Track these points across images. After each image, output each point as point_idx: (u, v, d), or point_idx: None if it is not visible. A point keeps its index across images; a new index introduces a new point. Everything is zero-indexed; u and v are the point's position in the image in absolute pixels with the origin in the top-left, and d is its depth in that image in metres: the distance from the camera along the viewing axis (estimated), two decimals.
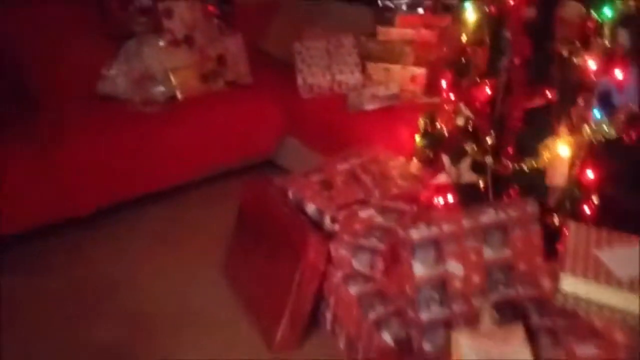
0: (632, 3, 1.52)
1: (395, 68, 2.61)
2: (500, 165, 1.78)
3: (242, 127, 2.78)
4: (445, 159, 1.92)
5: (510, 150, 1.76)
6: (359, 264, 1.61)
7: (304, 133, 2.79)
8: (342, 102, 2.62)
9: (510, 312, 1.38)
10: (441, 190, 1.87)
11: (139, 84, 2.63)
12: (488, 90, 1.80)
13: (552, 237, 1.59)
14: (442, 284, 1.39)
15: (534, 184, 1.70)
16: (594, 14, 1.58)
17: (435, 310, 1.38)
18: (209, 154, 2.72)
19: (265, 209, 2.00)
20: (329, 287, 1.71)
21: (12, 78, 2.57)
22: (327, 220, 1.80)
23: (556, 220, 1.66)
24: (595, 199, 1.63)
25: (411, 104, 2.51)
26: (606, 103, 1.61)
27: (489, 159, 1.79)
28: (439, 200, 1.83)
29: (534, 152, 1.70)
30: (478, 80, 1.87)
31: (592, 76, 1.59)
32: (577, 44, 1.62)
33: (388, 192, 1.86)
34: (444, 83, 2.07)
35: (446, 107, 2.04)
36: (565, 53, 1.64)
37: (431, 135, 2.09)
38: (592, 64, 1.58)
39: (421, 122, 2.13)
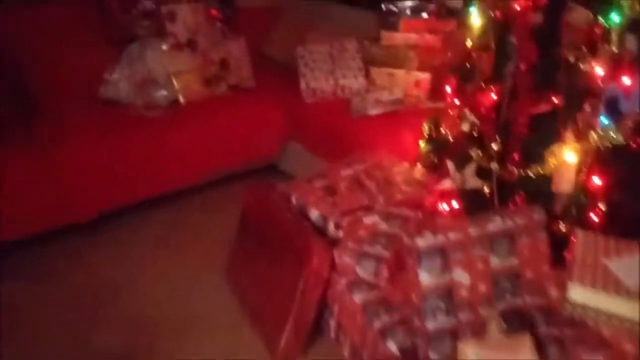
0: None
1: (399, 73, 2.59)
2: (505, 171, 1.76)
3: (245, 132, 2.77)
4: (449, 164, 1.91)
5: (515, 156, 1.75)
6: (364, 271, 1.60)
7: (307, 138, 2.77)
8: (346, 107, 2.60)
9: (517, 322, 1.36)
10: (446, 196, 1.86)
11: (142, 87, 2.62)
12: (493, 96, 1.79)
13: (558, 245, 1.58)
14: (448, 293, 1.37)
15: (540, 191, 1.68)
16: (601, 19, 1.57)
17: (441, 319, 1.36)
18: (211, 158, 2.71)
19: (268, 214, 1.98)
20: (333, 294, 1.70)
21: (13, 81, 2.56)
22: (330, 227, 1.79)
23: (562, 227, 1.65)
24: (602, 206, 1.62)
25: (415, 109, 2.50)
26: (613, 109, 1.60)
27: (494, 165, 1.77)
28: (444, 206, 1.82)
29: (539, 158, 1.69)
30: (483, 85, 1.85)
31: (599, 82, 1.58)
32: (584, 49, 1.61)
33: (392, 198, 1.84)
34: (448, 88, 2.06)
35: (451, 112, 2.03)
36: (571, 59, 1.63)
37: (436, 141, 2.08)
38: (599, 70, 1.57)
39: (425, 127, 2.12)
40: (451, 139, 2.00)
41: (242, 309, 2.00)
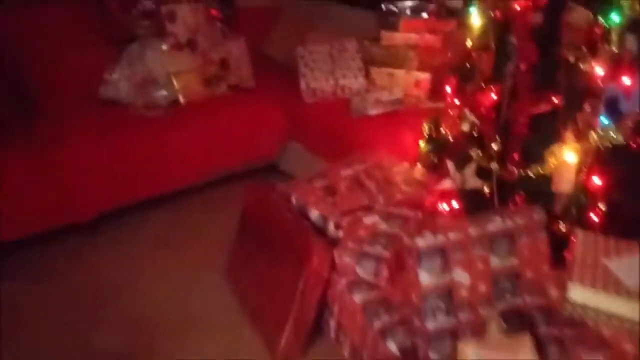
0: None
1: (399, 73, 2.59)
2: (505, 171, 1.76)
3: (245, 132, 2.77)
4: (449, 164, 1.91)
5: (515, 156, 1.75)
6: (364, 271, 1.60)
7: (307, 138, 2.77)
8: (346, 107, 2.60)
9: (517, 322, 1.36)
10: (446, 196, 1.86)
11: (142, 87, 2.62)
12: (493, 96, 1.79)
13: (558, 244, 1.58)
14: (448, 293, 1.37)
15: (540, 191, 1.68)
16: (601, 19, 1.57)
17: (441, 319, 1.36)
18: (211, 158, 2.71)
19: (268, 214, 1.98)
20: (333, 294, 1.70)
21: (13, 81, 2.56)
22: (330, 227, 1.79)
23: (562, 227, 1.65)
24: (602, 206, 1.62)
25: (415, 109, 2.50)
26: (613, 109, 1.60)
27: (494, 165, 1.77)
28: (444, 206, 1.82)
29: (539, 158, 1.69)
30: (483, 85, 1.85)
31: (599, 82, 1.58)
32: (584, 49, 1.61)
33: (392, 198, 1.84)
34: (448, 88, 2.06)
35: (451, 112, 2.03)
36: (572, 59, 1.63)
37: (436, 141, 2.08)
38: (599, 70, 1.57)
39: (425, 127, 2.12)
40: (451, 139, 2.00)
41: (242, 309, 2.00)
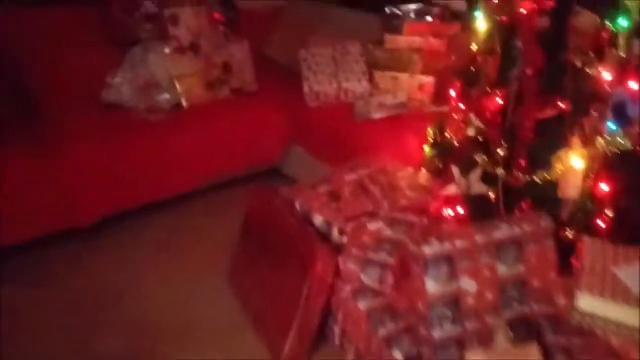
0: None
1: (403, 76, 2.58)
2: (511, 176, 1.75)
3: (248, 135, 2.75)
4: (454, 169, 1.90)
5: (521, 161, 1.73)
6: (368, 278, 1.58)
7: (310, 141, 2.76)
8: (349, 111, 2.59)
9: (524, 330, 1.35)
10: (450, 201, 1.84)
11: (144, 91, 2.61)
12: (499, 100, 1.77)
13: (565, 251, 1.56)
14: (454, 301, 1.35)
15: (546, 197, 1.67)
16: (608, 24, 1.56)
17: (447, 328, 1.34)
18: (214, 161, 2.69)
19: (272, 219, 1.97)
20: (337, 301, 1.68)
21: (15, 83, 2.55)
22: (334, 232, 1.77)
23: (569, 233, 1.64)
24: (609, 212, 1.61)
25: (419, 113, 2.48)
26: (620, 114, 1.58)
27: (500, 170, 1.76)
28: (448, 212, 1.81)
29: (546, 164, 1.67)
30: (488, 89, 1.84)
31: (606, 87, 1.57)
32: (591, 54, 1.60)
33: (397, 203, 1.83)
34: (453, 92, 2.05)
35: (455, 116, 2.01)
36: (578, 63, 1.62)
37: (440, 145, 2.07)
38: (606, 75, 1.56)
39: (430, 131, 2.10)
40: (456, 144, 1.99)
41: (245, 313, 1.99)
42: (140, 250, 2.42)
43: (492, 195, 1.80)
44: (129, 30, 2.75)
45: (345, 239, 1.72)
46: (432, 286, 1.34)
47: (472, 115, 1.86)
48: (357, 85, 2.71)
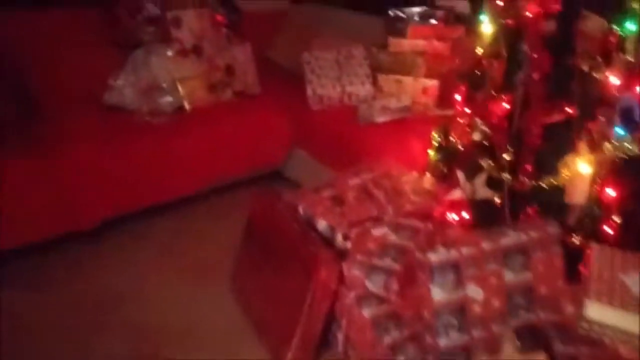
0: None
1: (407, 80, 2.56)
2: (517, 181, 1.73)
3: (250, 138, 2.74)
4: (459, 174, 1.88)
5: (528, 166, 1.72)
6: (373, 285, 1.56)
7: (313, 145, 2.74)
8: (352, 114, 2.57)
9: (531, 339, 1.33)
10: (455, 206, 1.83)
11: (147, 94, 2.59)
12: (505, 105, 1.75)
13: (571, 257, 1.54)
14: (461, 309, 1.34)
15: (553, 202, 1.65)
16: (616, 28, 1.54)
17: (454, 336, 1.33)
18: (216, 165, 2.67)
19: (275, 223, 1.95)
20: (341, 307, 1.66)
21: (16, 85, 2.53)
22: (338, 238, 1.75)
23: (576, 239, 1.62)
24: (616, 218, 1.59)
25: (423, 117, 2.47)
26: (628, 119, 1.57)
27: (505, 175, 1.74)
28: (453, 217, 1.79)
29: (552, 169, 1.66)
30: (494, 93, 1.82)
31: (614, 92, 1.56)
32: (599, 58, 1.58)
33: (401, 208, 1.81)
34: (458, 96, 2.03)
35: (460, 120, 2.00)
36: (586, 68, 1.60)
37: (445, 149, 2.05)
38: (613, 80, 1.54)
39: (434, 135, 2.09)
40: (461, 148, 1.97)
41: (247, 318, 1.97)
42: (142, 253, 2.40)
43: (497, 200, 1.79)
44: (132, 32, 2.74)
45: (349, 245, 1.70)
46: (438, 294, 1.32)
47: (477, 120, 1.85)
48: (360, 88, 2.70)
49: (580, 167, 1.58)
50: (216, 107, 2.75)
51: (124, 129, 2.50)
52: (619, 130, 1.56)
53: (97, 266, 2.32)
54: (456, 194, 1.83)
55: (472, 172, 1.85)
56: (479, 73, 1.94)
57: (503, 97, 1.76)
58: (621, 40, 1.54)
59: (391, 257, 1.58)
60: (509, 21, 1.77)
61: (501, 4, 1.78)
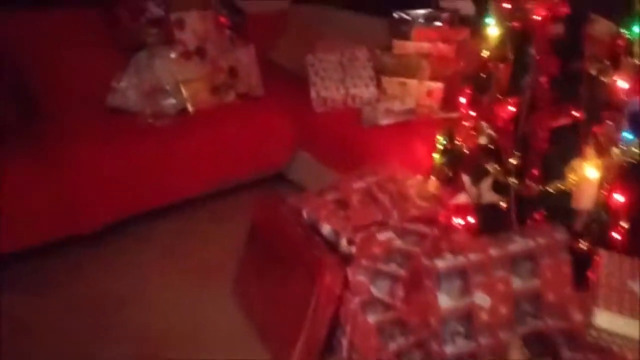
0: None
1: (412, 82, 2.55)
2: (523, 186, 1.72)
3: (254, 141, 2.73)
4: (465, 178, 1.86)
5: (535, 171, 1.70)
6: (378, 290, 1.55)
7: (316, 147, 2.73)
8: (356, 117, 2.56)
9: (539, 346, 1.32)
10: (461, 210, 1.81)
11: (150, 96, 2.58)
12: (511, 108, 1.74)
13: (579, 263, 1.53)
14: (468, 316, 1.32)
15: (560, 207, 1.64)
16: (624, 31, 1.53)
17: (460, 344, 1.31)
18: (219, 167, 2.66)
19: (278, 227, 1.94)
20: (346, 313, 1.65)
21: (18, 87, 2.52)
22: (343, 242, 1.74)
23: (583, 245, 1.60)
24: (624, 224, 1.58)
25: (427, 119, 2.45)
26: (636, 124, 1.56)
27: (512, 180, 1.73)
28: (459, 222, 1.78)
29: (559, 174, 1.64)
30: (500, 97, 1.81)
31: (622, 96, 1.54)
32: (607, 62, 1.57)
33: (407, 213, 1.79)
34: (463, 99, 2.02)
35: (466, 123, 1.98)
36: (593, 72, 1.59)
37: (450, 153, 2.03)
38: (622, 84, 1.53)
39: (439, 138, 2.07)
40: (466, 152, 1.95)
41: (250, 322, 1.96)
42: (144, 255, 2.39)
43: (503, 204, 1.77)
44: (135, 34, 2.73)
45: (354, 250, 1.69)
46: (445, 301, 1.31)
47: (483, 123, 1.83)
48: (364, 91, 2.69)
49: (588, 171, 1.57)
50: (219, 109, 2.74)
51: (127, 131, 2.49)
52: (627, 135, 1.55)
53: (98, 268, 2.31)
54: (462, 198, 1.82)
55: (478, 176, 1.84)
56: (484, 76, 1.93)
57: (509, 100, 1.75)
58: (629, 44, 1.53)
59: (397, 263, 1.56)
60: (516, 24, 1.75)
61: (508, 6, 1.77)
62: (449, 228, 1.75)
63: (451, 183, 1.98)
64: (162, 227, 2.58)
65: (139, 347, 1.89)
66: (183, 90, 2.66)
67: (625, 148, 1.55)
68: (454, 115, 2.17)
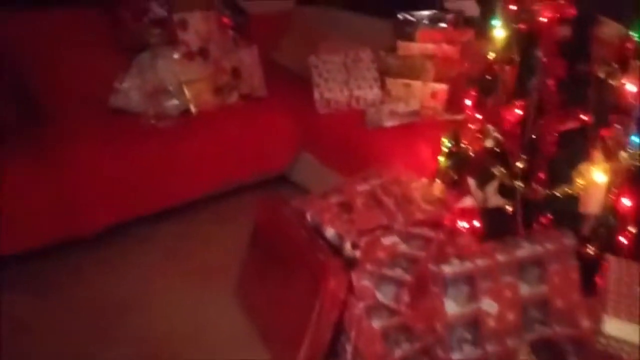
0: None
1: (416, 84, 2.53)
2: (530, 190, 1.70)
3: (257, 142, 2.71)
4: (470, 181, 1.85)
5: (541, 175, 1.68)
6: (383, 296, 1.53)
7: (320, 149, 2.72)
8: (360, 118, 2.55)
9: (547, 353, 1.30)
10: (466, 214, 1.79)
11: (152, 97, 2.57)
12: (518, 111, 1.72)
13: (586, 268, 1.51)
14: (475, 323, 1.31)
15: (567, 212, 1.62)
16: (633, 34, 1.51)
17: (467, 350, 1.30)
18: (222, 168, 2.65)
19: (282, 230, 1.92)
20: (350, 317, 1.63)
21: (20, 87, 2.50)
22: (347, 246, 1.72)
23: (590, 250, 1.59)
24: (631, 229, 1.56)
25: (432, 121, 2.44)
26: None
27: (518, 184, 1.71)
28: (464, 225, 1.76)
29: (567, 178, 1.62)
30: (506, 99, 1.79)
31: (631, 99, 1.53)
32: (615, 65, 1.55)
33: (412, 216, 1.77)
34: (468, 101, 2.00)
35: (471, 126, 1.96)
36: (602, 75, 1.58)
37: (456, 156, 2.01)
38: (630, 87, 1.51)
39: (445, 141, 2.05)
40: (472, 154, 1.94)
41: (252, 324, 1.95)
42: (146, 257, 2.38)
43: (509, 208, 1.75)
44: (138, 35, 2.71)
45: (358, 254, 1.67)
46: (451, 307, 1.29)
47: (490, 126, 1.82)
48: (368, 92, 2.67)
49: (595, 175, 1.56)
50: (222, 110, 2.73)
51: (129, 132, 2.48)
52: (635, 139, 1.54)
53: (100, 270, 2.30)
54: (467, 202, 1.80)
55: (484, 179, 1.82)
56: (490, 78, 1.91)
57: (516, 103, 1.73)
58: (638, 47, 1.51)
59: (402, 268, 1.55)
60: (522, 26, 1.74)
61: (514, 8, 1.75)
62: (455, 232, 1.73)
63: (456, 186, 1.96)
64: (164, 229, 2.57)
65: (140, 349, 1.88)
66: (186, 91, 2.65)
67: (633, 152, 1.53)
68: (459, 117, 2.16)
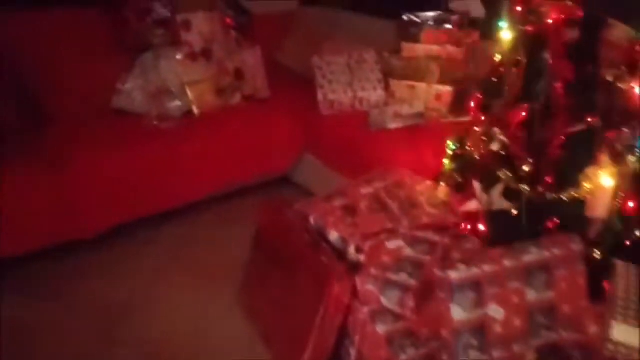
0: None
1: (420, 86, 2.52)
2: (536, 193, 1.68)
3: (260, 143, 2.70)
4: (476, 184, 1.83)
5: (548, 178, 1.67)
6: (388, 301, 1.51)
7: (323, 151, 2.71)
8: (364, 120, 2.54)
9: (553, 359, 1.28)
10: (471, 218, 1.78)
11: (155, 98, 2.56)
12: (524, 114, 1.70)
13: (592, 273, 1.49)
14: (481, 329, 1.29)
15: (574, 215, 1.61)
16: None
17: (473, 356, 1.28)
18: (225, 170, 2.64)
19: (285, 234, 1.91)
20: (354, 322, 1.62)
21: (21, 88, 2.49)
22: (351, 250, 1.70)
23: (597, 254, 1.57)
24: (638, 233, 1.54)
25: (436, 124, 2.43)
26: None
27: (524, 187, 1.69)
28: (469, 229, 1.74)
29: (574, 181, 1.61)
30: (512, 102, 1.77)
31: (639, 103, 1.51)
32: (624, 68, 1.54)
33: (417, 220, 1.76)
34: (473, 104, 1.98)
35: (476, 128, 1.95)
36: (610, 78, 1.56)
37: (461, 158, 2.00)
38: (639, 90, 1.50)
39: (450, 144, 2.03)
40: (477, 157, 1.92)
41: (255, 328, 1.94)
42: (149, 259, 2.38)
43: (514, 212, 1.74)
44: (141, 35, 2.70)
45: (362, 258, 1.65)
46: (458, 313, 1.28)
47: (495, 129, 1.80)
48: (372, 94, 2.66)
49: (603, 179, 1.54)
50: (225, 112, 2.72)
51: (132, 134, 2.47)
52: None
53: (102, 272, 2.29)
54: (472, 205, 1.79)
55: (489, 182, 1.80)
56: (495, 80, 1.90)
57: (522, 106, 1.71)
58: None
59: (407, 272, 1.53)
60: (529, 27, 1.72)
61: (521, 9, 1.73)
62: (460, 236, 1.71)
63: (461, 190, 1.94)
64: (166, 231, 2.56)
65: (142, 352, 1.88)
66: (189, 92, 2.64)
67: None
68: (464, 119, 2.14)
